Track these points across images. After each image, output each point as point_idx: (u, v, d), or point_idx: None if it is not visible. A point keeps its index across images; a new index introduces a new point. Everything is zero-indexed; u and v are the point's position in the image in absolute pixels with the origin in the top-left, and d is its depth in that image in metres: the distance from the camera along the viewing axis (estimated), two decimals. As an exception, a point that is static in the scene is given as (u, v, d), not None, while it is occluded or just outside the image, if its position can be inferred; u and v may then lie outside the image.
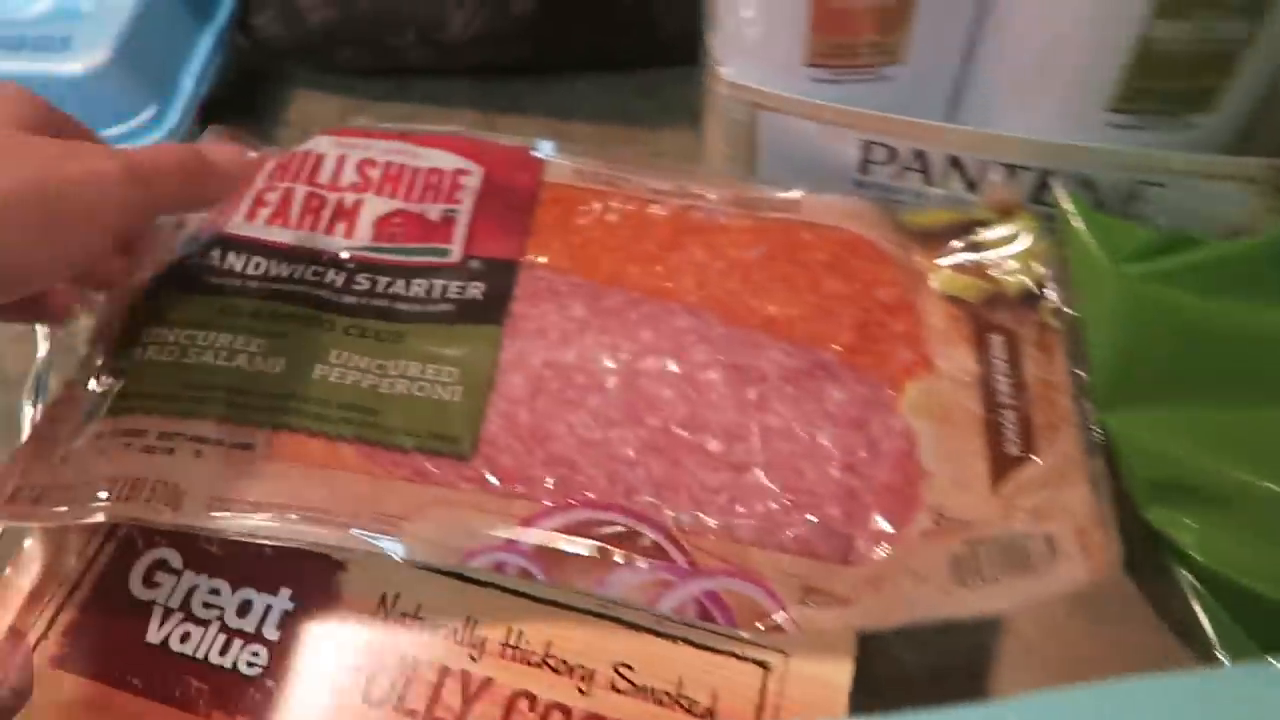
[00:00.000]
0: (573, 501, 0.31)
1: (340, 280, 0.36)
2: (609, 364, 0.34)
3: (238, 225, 0.36)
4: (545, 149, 0.40)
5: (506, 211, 0.38)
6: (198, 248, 0.36)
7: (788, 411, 0.34)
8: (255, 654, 0.31)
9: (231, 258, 0.36)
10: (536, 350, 0.34)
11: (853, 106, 0.38)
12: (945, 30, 0.36)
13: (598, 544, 0.31)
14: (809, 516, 0.32)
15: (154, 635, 0.30)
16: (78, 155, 0.27)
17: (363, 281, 0.36)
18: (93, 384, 0.34)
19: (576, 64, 0.49)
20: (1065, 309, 0.35)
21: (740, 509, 0.32)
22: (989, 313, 0.37)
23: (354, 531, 0.29)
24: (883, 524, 0.32)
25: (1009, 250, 0.38)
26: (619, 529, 0.31)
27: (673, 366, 0.34)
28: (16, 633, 0.30)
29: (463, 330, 0.35)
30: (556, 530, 0.31)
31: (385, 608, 0.32)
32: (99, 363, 0.34)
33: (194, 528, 0.30)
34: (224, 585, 0.32)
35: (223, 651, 0.31)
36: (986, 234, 0.38)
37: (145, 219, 0.31)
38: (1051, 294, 0.36)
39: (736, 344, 0.35)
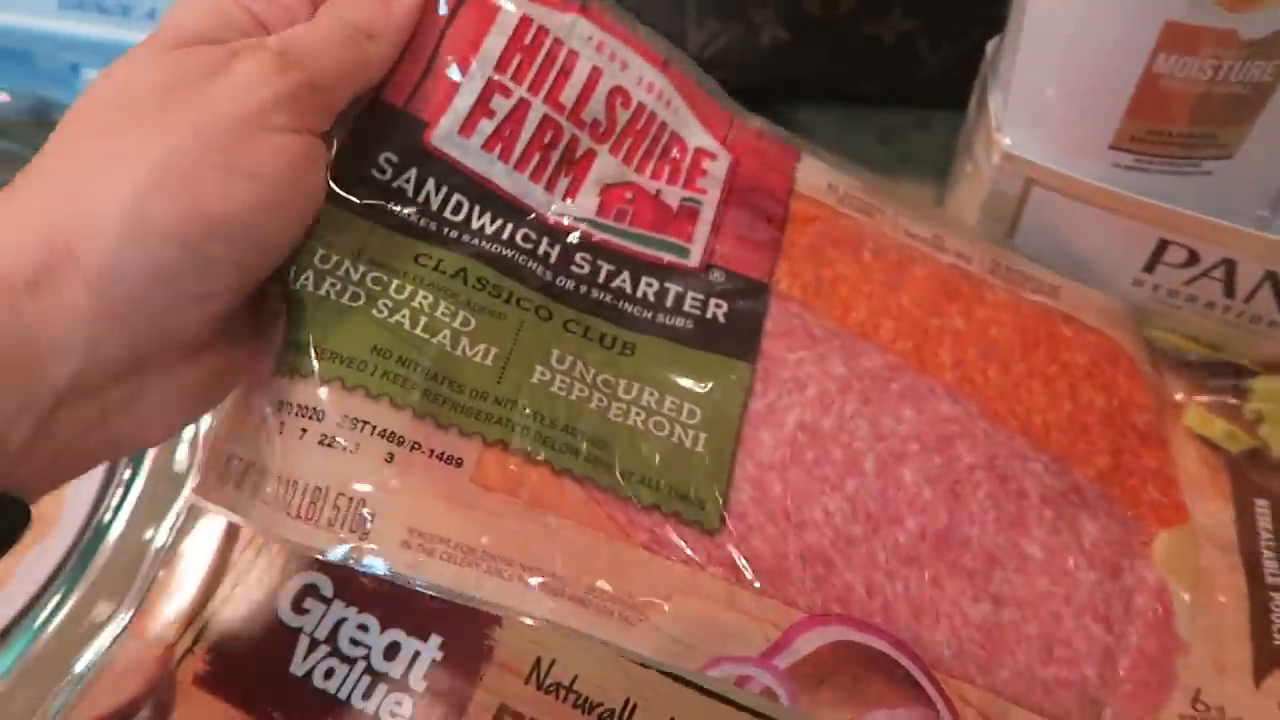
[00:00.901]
0: (834, 615, 0.26)
1: (555, 254, 0.29)
2: (869, 444, 0.29)
3: (449, 136, 0.28)
4: (793, 143, 0.33)
5: (755, 218, 0.32)
6: (390, 146, 0.27)
7: (1047, 540, 0.29)
8: (399, 703, 0.26)
9: (430, 187, 0.28)
10: (792, 407, 0.28)
11: (1156, 200, 0.33)
12: None
13: (855, 677, 0.25)
14: (1065, 674, 0.28)
15: (298, 666, 0.26)
16: (227, 63, 0.23)
17: (582, 264, 0.29)
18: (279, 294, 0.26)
19: (817, 96, 0.42)
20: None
21: (1000, 653, 0.27)
22: (1250, 469, 0.33)
23: (588, 617, 0.23)
24: (1139, 699, 0.28)
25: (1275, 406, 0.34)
26: (880, 661, 0.26)
27: (936, 463, 0.29)
28: (164, 645, 0.26)
29: (706, 359, 0.28)
30: (816, 650, 0.25)
31: (538, 673, 0.26)
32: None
33: (392, 574, 0.22)
34: (373, 622, 0.26)
35: (366, 695, 0.26)
36: (1258, 382, 0.34)
37: (321, 108, 0.24)
38: (1327, 469, 0.33)
39: (1000, 448, 0.30)
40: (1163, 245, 0.34)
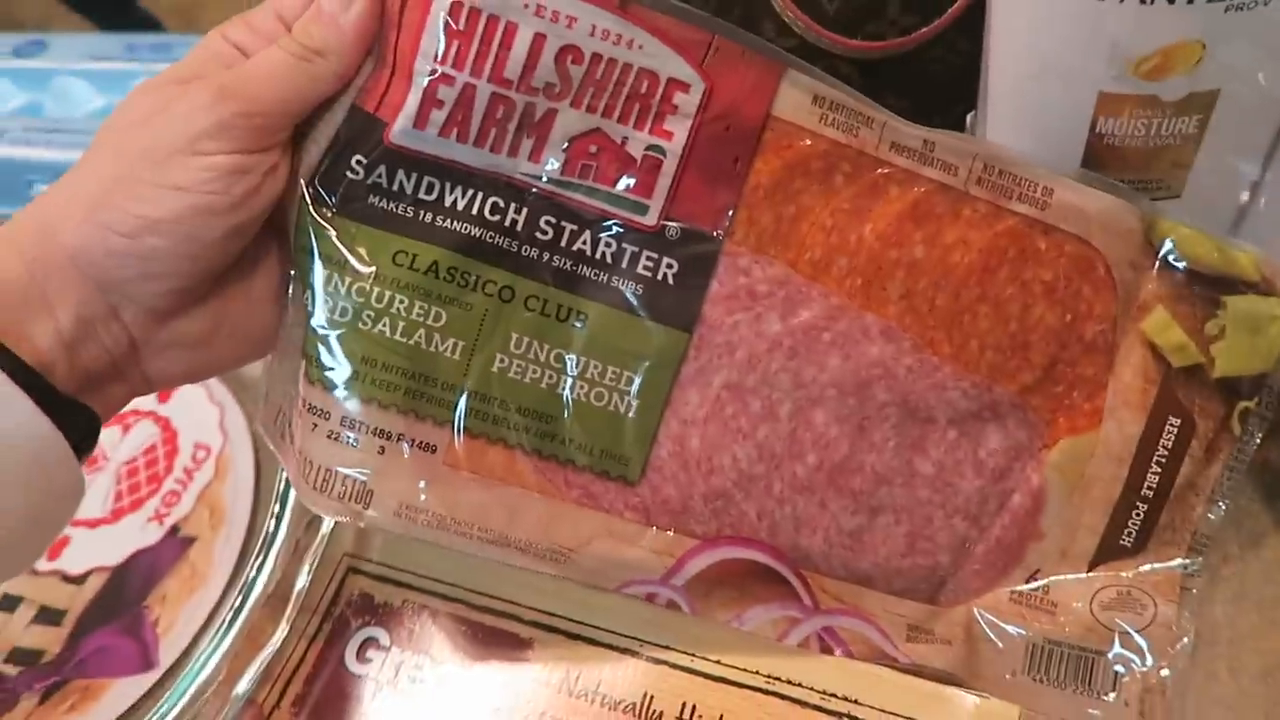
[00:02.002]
0: (723, 538, 0.35)
1: (521, 220, 0.32)
2: (788, 393, 0.34)
3: (406, 132, 0.31)
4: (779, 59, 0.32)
5: (722, 158, 0.33)
6: (359, 149, 0.31)
7: (942, 458, 0.36)
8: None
9: (401, 177, 0.31)
10: (720, 369, 0.34)
11: None
12: (1231, 167, 0.36)
13: (739, 578, 0.35)
14: (921, 562, 0.36)
15: (369, 707, 0.35)
16: (181, 94, 0.29)
17: (546, 228, 0.32)
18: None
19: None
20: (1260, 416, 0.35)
21: (865, 552, 0.36)
22: (1181, 386, 0.36)
23: (525, 560, 0.33)
24: (983, 576, 0.37)
25: (1245, 328, 0.35)
26: (759, 567, 0.35)
27: (850, 404, 0.34)
28: (254, 704, 0.35)
29: (648, 329, 0.33)
30: (706, 568, 0.35)
31: (569, 687, 0.36)
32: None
33: (384, 529, 0.33)
34: (427, 661, 0.36)
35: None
36: (1236, 300, 0.35)
37: (259, 129, 0.29)
38: (1258, 399, 0.35)
39: (918, 381, 0.35)
40: None
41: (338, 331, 0.31)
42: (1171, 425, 0.36)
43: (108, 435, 0.44)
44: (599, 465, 0.33)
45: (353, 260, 0.31)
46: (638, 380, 0.33)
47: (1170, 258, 0.35)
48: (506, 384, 0.33)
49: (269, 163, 0.29)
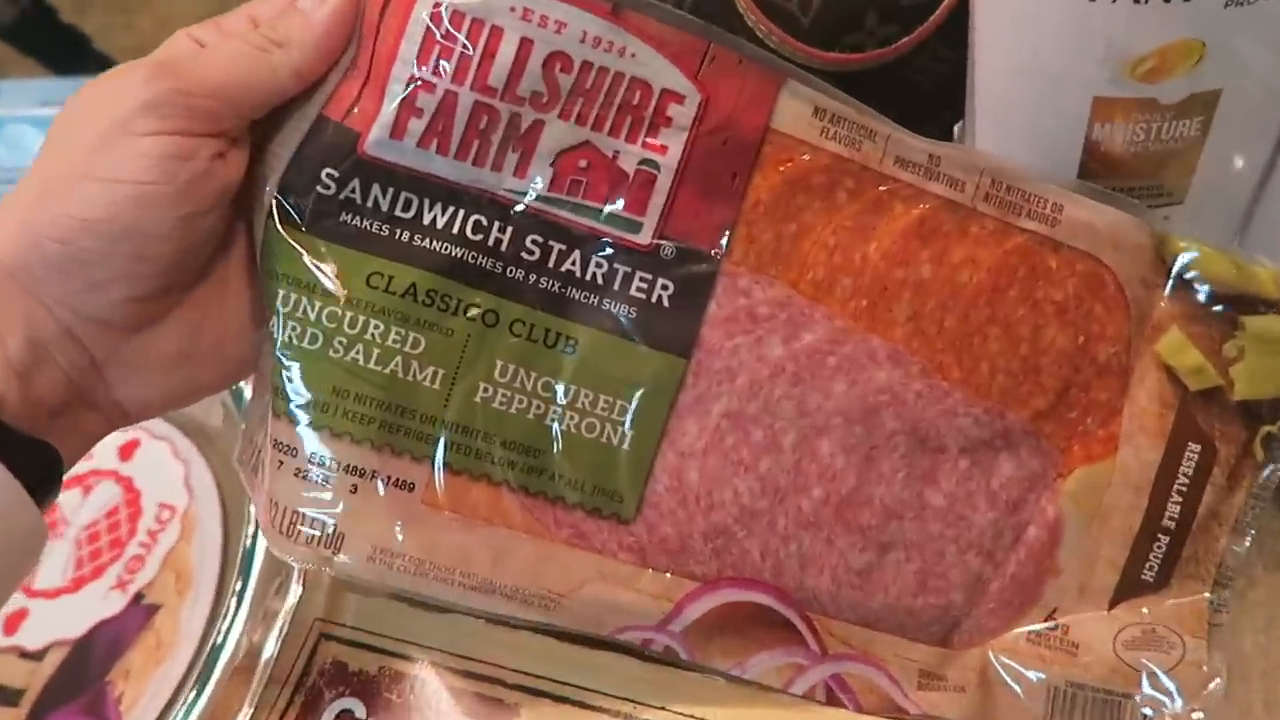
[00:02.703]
0: (724, 580, 0.32)
1: (506, 240, 0.30)
2: (792, 422, 0.32)
3: (381, 143, 0.29)
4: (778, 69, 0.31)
5: (719, 173, 0.31)
6: (329, 162, 0.29)
7: (954, 489, 0.34)
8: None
9: (376, 191, 0.29)
10: (719, 396, 0.32)
11: None
12: (1235, 170, 0.34)
13: (740, 622, 0.33)
14: (932, 601, 0.34)
15: None
16: (105, 89, 0.26)
17: (533, 248, 0.30)
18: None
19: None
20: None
21: (874, 592, 0.34)
22: (1199, 410, 0.34)
23: (513, 607, 0.31)
24: (998, 615, 0.35)
25: (1265, 349, 0.34)
26: (762, 610, 0.33)
27: (857, 432, 0.32)
28: None
29: (643, 355, 0.31)
30: (706, 612, 0.32)
31: None
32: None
33: (353, 579, 0.30)
34: None
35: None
36: (1255, 320, 0.34)
37: (204, 112, 0.26)
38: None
39: (928, 408, 0.33)
40: None
41: (305, 360, 0.29)
42: (1191, 452, 0.34)
43: (68, 499, 0.42)
44: (590, 502, 0.31)
45: (323, 281, 0.29)
46: (631, 410, 0.31)
47: (1184, 275, 0.34)
48: (490, 415, 0.30)
49: (214, 148, 0.27)
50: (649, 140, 0.30)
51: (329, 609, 0.36)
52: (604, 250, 0.30)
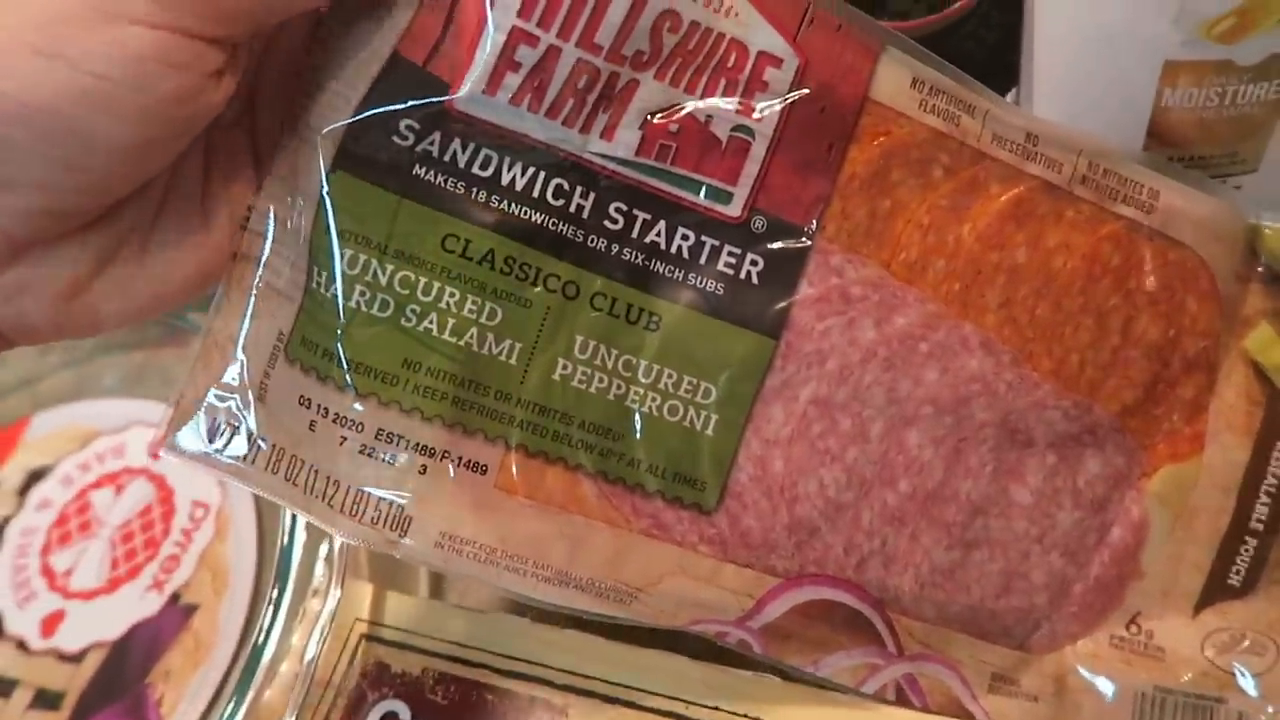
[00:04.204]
0: (808, 576, 0.31)
1: (589, 206, 0.29)
2: (880, 410, 0.31)
3: (472, 97, 0.27)
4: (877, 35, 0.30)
5: (815, 144, 0.30)
6: (410, 110, 0.27)
7: (1041, 485, 0.33)
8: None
9: (457, 146, 0.27)
10: (808, 380, 0.30)
11: None
12: None
13: (819, 622, 0.31)
14: (1015, 604, 0.33)
15: None
16: None
17: (616, 216, 0.29)
18: (290, 275, 0.27)
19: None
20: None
21: (958, 592, 0.32)
22: (1290, 409, 0.34)
23: (588, 600, 0.29)
24: (1080, 619, 0.34)
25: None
26: (842, 609, 0.31)
27: (947, 423, 0.31)
28: None
29: (731, 333, 0.30)
30: (786, 611, 0.31)
31: None
32: (296, 256, 0.27)
33: (422, 561, 0.28)
34: None
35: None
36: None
37: (191, 16, 0.21)
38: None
39: (1019, 399, 0.32)
40: None
41: (373, 328, 0.27)
42: (1279, 451, 0.34)
43: (100, 498, 0.40)
44: (671, 490, 0.30)
45: (394, 243, 0.27)
46: (716, 392, 0.29)
47: (1276, 269, 0.33)
48: (569, 394, 0.29)
49: (214, 62, 0.22)
50: (744, 106, 0.29)
51: (371, 609, 0.34)
52: (691, 221, 0.29)
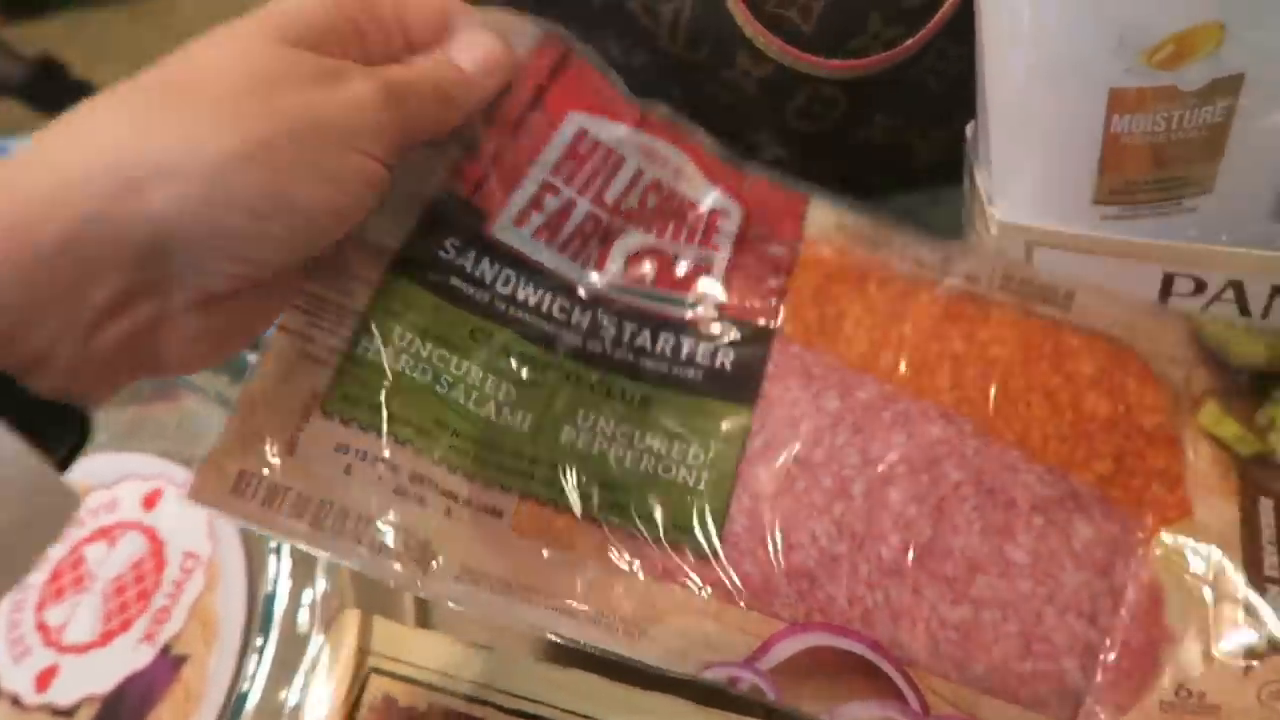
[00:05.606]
0: (813, 624, 0.32)
1: (586, 322, 0.36)
2: (858, 470, 0.34)
3: (504, 229, 0.35)
4: (801, 189, 0.38)
5: (763, 266, 0.37)
6: (455, 232, 0.34)
7: (1035, 546, 0.34)
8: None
9: (486, 265, 0.35)
10: (786, 442, 0.34)
11: (1150, 239, 0.36)
12: (1265, 154, 0.33)
13: (831, 669, 0.31)
14: (1042, 667, 0.33)
15: None
16: (335, 78, 0.27)
17: (608, 327, 0.36)
18: (328, 343, 0.32)
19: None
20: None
21: (976, 651, 0.32)
22: (1257, 471, 0.36)
23: (598, 633, 0.30)
24: (1120, 688, 0.33)
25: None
26: (859, 661, 0.32)
27: (923, 481, 0.34)
28: None
29: (711, 406, 0.35)
30: (797, 653, 0.31)
31: None
32: (337, 328, 0.33)
33: (443, 595, 0.31)
34: None
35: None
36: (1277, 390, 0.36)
37: (398, 148, 0.29)
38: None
39: (989, 462, 0.35)
40: (1169, 279, 0.37)
41: (415, 392, 0.33)
42: (1265, 505, 0.35)
43: (94, 552, 0.42)
44: (671, 537, 0.33)
45: (434, 329, 0.34)
46: (704, 455, 0.34)
47: (1216, 355, 0.38)
48: (575, 455, 0.34)
49: (388, 183, 0.29)
50: (704, 241, 0.37)
51: (380, 642, 0.36)
52: (670, 327, 0.36)
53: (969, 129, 0.38)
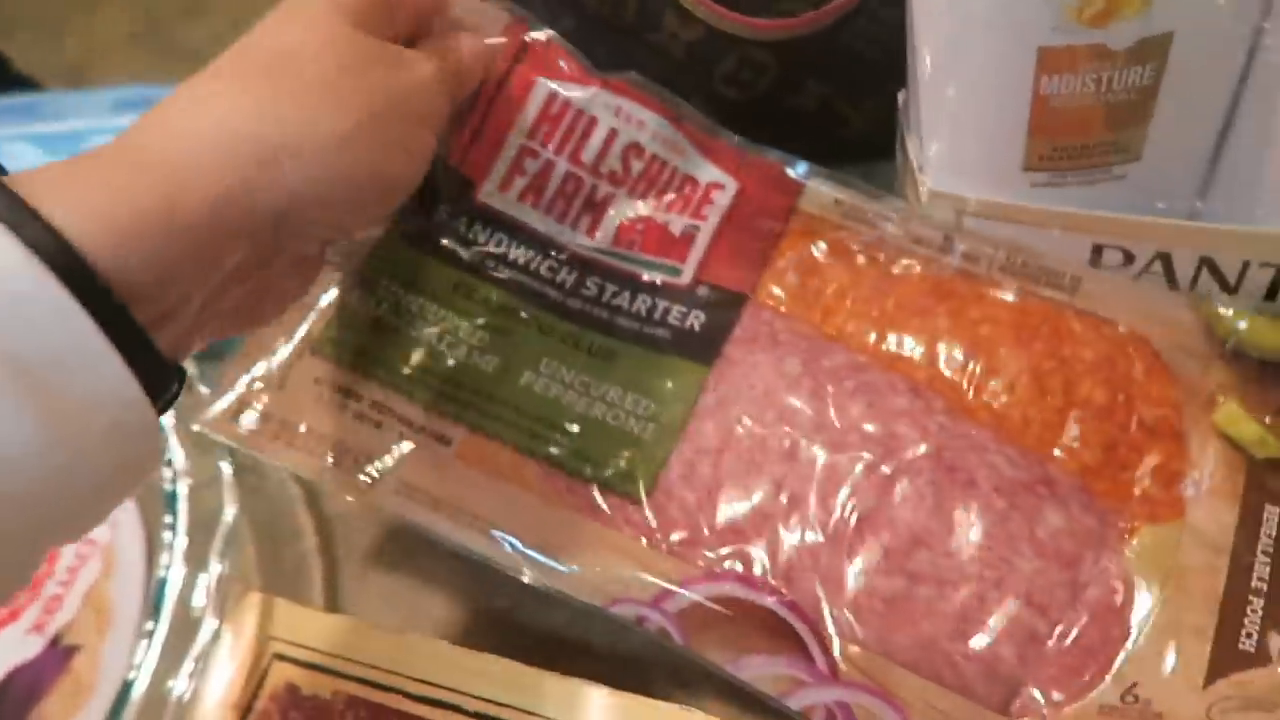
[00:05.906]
0: (729, 573, 0.32)
1: (570, 280, 0.38)
2: (809, 434, 0.34)
3: (491, 194, 0.38)
4: (802, 169, 0.38)
5: (750, 237, 0.38)
6: (445, 197, 0.38)
7: (990, 528, 0.32)
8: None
9: (478, 229, 0.38)
10: (738, 402, 0.35)
11: (1080, 209, 0.34)
12: (1193, 121, 0.33)
13: (741, 622, 0.31)
14: (975, 649, 0.31)
15: None
16: (401, 60, 0.30)
17: (591, 286, 0.38)
18: (314, 294, 0.36)
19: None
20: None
21: (903, 625, 0.31)
22: (1269, 475, 0.32)
23: (519, 551, 0.32)
24: (1059, 683, 0.30)
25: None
26: (771, 617, 0.32)
27: (874, 450, 0.33)
28: None
29: (671, 363, 0.36)
30: (706, 599, 0.32)
31: None
32: (334, 283, 0.37)
33: (381, 504, 0.33)
34: None
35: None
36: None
37: (446, 124, 0.32)
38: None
39: (954, 439, 0.34)
40: (1098, 249, 0.35)
41: (391, 334, 0.37)
42: (1270, 513, 0.32)
43: None
44: (606, 480, 0.34)
45: (418, 283, 0.37)
46: (655, 407, 0.35)
47: (1236, 348, 0.35)
48: (530, 397, 0.36)
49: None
50: (695, 212, 0.39)
51: (283, 627, 0.35)
52: (649, 289, 0.38)
53: (900, 96, 0.37)
